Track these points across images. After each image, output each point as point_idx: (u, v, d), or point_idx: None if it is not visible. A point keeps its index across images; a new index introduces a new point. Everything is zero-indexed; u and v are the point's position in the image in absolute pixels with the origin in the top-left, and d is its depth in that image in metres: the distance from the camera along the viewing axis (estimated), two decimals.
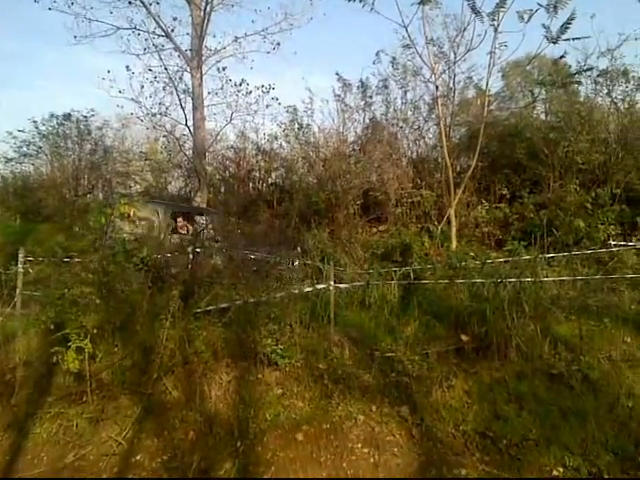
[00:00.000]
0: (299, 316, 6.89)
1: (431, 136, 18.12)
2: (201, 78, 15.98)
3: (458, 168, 17.58)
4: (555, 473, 4.72)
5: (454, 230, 14.51)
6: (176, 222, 11.40)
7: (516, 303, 6.38)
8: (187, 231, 11.32)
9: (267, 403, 5.67)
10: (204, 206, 14.88)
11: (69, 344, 5.69)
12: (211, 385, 5.98)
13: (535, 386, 5.72)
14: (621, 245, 12.06)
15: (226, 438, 5.22)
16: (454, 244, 14.28)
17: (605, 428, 5.10)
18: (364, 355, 6.43)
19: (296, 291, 7.07)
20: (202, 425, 5.38)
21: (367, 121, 18.21)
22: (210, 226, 11.87)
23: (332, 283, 6.96)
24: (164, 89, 16.11)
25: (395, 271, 8.70)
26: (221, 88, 16.52)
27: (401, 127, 17.84)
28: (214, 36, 17.92)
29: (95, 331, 5.97)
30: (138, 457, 5.04)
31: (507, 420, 5.31)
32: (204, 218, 11.93)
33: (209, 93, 16.62)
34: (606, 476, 4.58)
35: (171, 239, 9.99)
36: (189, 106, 16.39)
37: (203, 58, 16.16)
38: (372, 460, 4.92)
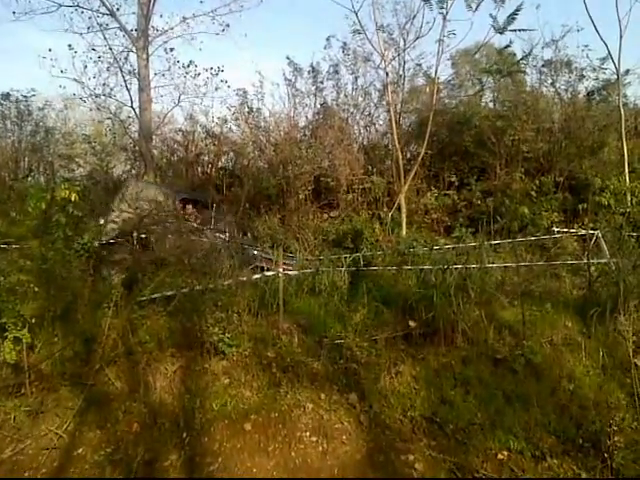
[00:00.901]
0: (248, 304, 6.80)
1: (382, 122, 18.10)
2: (147, 59, 15.46)
3: (408, 155, 17.68)
4: (500, 457, 4.81)
5: (404, 217, 14.63)
6: (184, 209, 11.13)
7: (462, 289, 6.47)
8: (195, 219, 11.08)
9: (214, 393, 5.57)
10: None
11: (6, 334, 5.42)
12: (156, 375, 5.84)
13: (480, 371, 5.83)
14: (564, 232, 12.43)
15: (171, 429, 5.10)
16: (404, 230, 14.40)
17: (547, 411, 5.25)
18: (313, 342, 6.39)
19: (244, 278, 6.95)
20: (146, 416, 5.25)
21: (318, 106, 18.00)
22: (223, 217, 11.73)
23: (281, 270, 6.87)
24: (108, 69, 15.56)
25: (345, 257, 8.68)
26: (168, 69, 16.08)
27: (352, 113, 17.74)
28: (161, 16, 17.35)
29: (34, 320, 5.72)
30: (80, 450, 4.87)
31: (453, 405, 5.39)
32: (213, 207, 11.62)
33: (156, 74, 16.13)
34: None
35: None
36: (135, 87, 15.87)
37: (150, 38, 15.64)
38: (320, 448, 4.91)
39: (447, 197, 15.60)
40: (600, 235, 9.72)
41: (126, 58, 15.68)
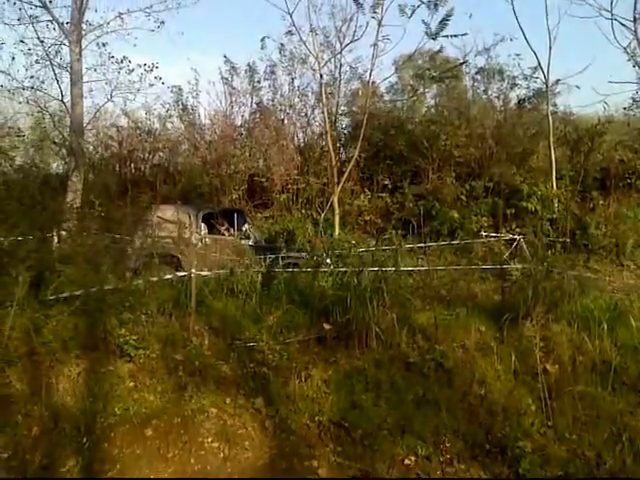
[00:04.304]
0: (162, 304, 6.55)
1: (318, 124, 18.17)
2: (80, 53, 14.86)
3: (344, 157, 17.88)
4: (407, 462, 4.74)
5: (337, 218, 14.67)
6: (210, 223, 11.11)
7: (378, 292, 6.41)
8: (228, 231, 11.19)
9: (117, 397, 5.28)
10: (79, 186, 13.91)
11: None
12: (59, 377, 5.48)
13: (392, 374, 5.75)
14: (491, 236, 12.70)
15: (72, 434, 4.81)
16: (337, 232, 14.44)
17: (457, 416, 5.22)
18: (225, 345, 6.17)
19: (155, 279, 6.70)
20: (47, 420, 4.92)
21: (254, 106, 18.03)
22: (246, 225, 11.73)
23: (194, 270, 6.65)
24: (37, 62, 14.98)
25: (269, 257, 8.55)
26: (101, 64, 15.60)
27: (288, 114, 17.83)
28: (96, 10, 16.67)
29: None
30: None
31: (363, 409, 5.29)
32: (237, 216, 11.44)
33: (88, 69, 15.60)
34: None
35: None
36: (66, 81, 15.34)
37: (83, 32, 15.05)
38: (222, 454, 4.73)
39: (380, 199, 15.78)
40: (522, 240, 9.94)
41: (57, 51, 15.13)
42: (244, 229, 11.40)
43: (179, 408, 5.18)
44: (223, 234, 10.84)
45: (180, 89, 17.77)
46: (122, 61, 15.81)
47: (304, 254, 9.31)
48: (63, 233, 8.92)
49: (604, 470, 4.52)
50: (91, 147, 18.46)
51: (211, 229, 11.00)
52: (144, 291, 6.55)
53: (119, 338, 5.80)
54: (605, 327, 6.26)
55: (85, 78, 15.35)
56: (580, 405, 5.27)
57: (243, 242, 10.56)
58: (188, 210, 10.77)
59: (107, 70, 15.80)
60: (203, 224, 10.71)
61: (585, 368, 5.91)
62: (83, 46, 15.08)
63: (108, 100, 16.36)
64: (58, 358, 5.71)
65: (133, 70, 15.95)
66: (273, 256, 8.77)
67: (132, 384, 5.54)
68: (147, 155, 18.49)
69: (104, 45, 15.48)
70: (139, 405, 5.22)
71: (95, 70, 15.78)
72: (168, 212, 10.39)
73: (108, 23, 15.45)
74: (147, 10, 15.58)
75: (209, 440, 4.88)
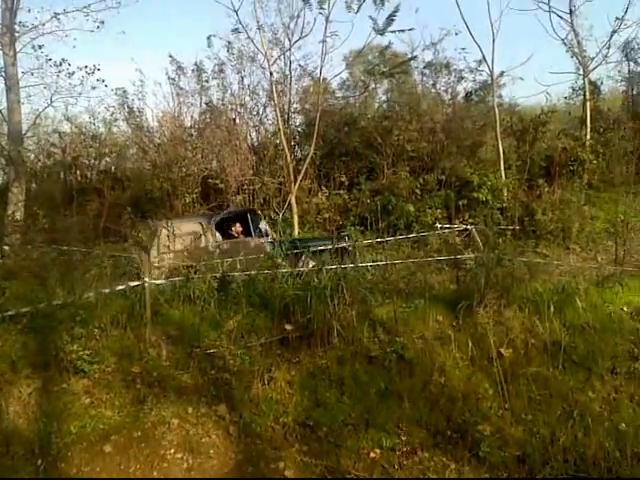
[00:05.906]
0: (115, 317, 6.35)
1: (271, 122, 18.01)
2: (14, 56, 14.30)
3: (299, 155, 17.81)
4: (372, 455, 4.83)
5: (296, 217, 14.66)
6: (224, 229, 11.02)
7: (338, 289, 6.40)
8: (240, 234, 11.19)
9: (73, 414, 5.14)
10: (20, 197, 13.45)
11: None
12: (9, 400, 5.28)
13: (355, 370, 5.80)
14: (445, 228, 12.90)
15: (26, 457, 4.69)
16: (296, 230, 14.44)
17: (419, 406, 5.34)
18: (184, 354, 6.04)
19: (106, 290, 6.50)
20: None
21: (204, 106, 17.76)
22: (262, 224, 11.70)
23: (147, 279, 6.48)
24: None
25: (226, 261, 8.43)
26: (38, 68, 15.04)
27: (239, 113, 17.58)
28: (29, 11, 15.95)
29: None
30: None
31: (327, 407, 5.35)
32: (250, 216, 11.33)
33: (24, 73, 15.03)
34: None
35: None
36: (1, 87, 14.75)
37: (17, 34, 14.47)
38: (185, 465, 4.70)
39: (338, 197, 15.78)
40: (474, 230, 10.10)
41: None
42: (261, 228, 11.44)
43: (139, 422, 5.10)
44: (235, 236, 10.95)
45: (125, 91, 17.28)
46: (61, 64, 15.32)
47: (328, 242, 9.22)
48: (6, 248, 8.61)
49: (558, 446, 4.70)
50: (32, 155, 17.90)
51: (225, 233, 11.05)
52: (95, 304, 6.34)
53: (71, 354, 5.58)
54: (554, 309, 6.45)
55: (22, 83, 14.87)
56: (534, 386, 5.51)
57: (262, 240, 10.64)
58: (200, 220, 10.79)
59: (45, 74, 15.35)
60: (217, 231, 10.71)
61: (537, 350, 6.15)
62: (17, 49, 14.51)
63: (48, 105, 15.95)
64: (7, 379, 5.50)
65: (74, 73, 15.48)
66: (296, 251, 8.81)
67: (88, 400, 5.39)
68: (93, 161, 17.94)
69: (40, 47, 14.94)
70: (96, 421, 5.10)
71: (32, 74, 15.30)
72: (180, 226, 10.22)
73: (44, 24, 14.91)
74: (85, 10, 15.09)
75: (172, 451, 4.83)
